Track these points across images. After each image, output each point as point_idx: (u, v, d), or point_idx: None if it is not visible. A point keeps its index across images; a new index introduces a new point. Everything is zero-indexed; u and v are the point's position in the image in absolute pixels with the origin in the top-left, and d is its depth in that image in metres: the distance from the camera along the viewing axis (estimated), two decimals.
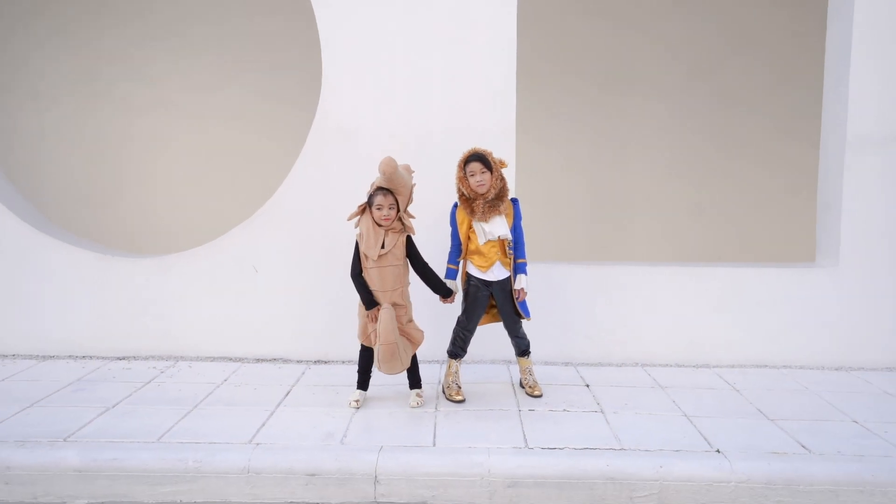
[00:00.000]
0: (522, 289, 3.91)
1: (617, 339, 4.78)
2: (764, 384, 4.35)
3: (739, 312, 4.76)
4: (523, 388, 4.12)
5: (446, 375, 4.07)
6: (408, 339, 3.79)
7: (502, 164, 3.86)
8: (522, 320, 4.00)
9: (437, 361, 4.66)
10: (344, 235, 4.35)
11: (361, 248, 3.71)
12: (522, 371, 4.12)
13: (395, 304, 3.73)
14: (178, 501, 3.14)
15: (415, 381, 3.96)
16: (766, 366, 4.74)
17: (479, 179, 3.74)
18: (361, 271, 3.74)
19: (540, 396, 4.02)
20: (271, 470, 3.15)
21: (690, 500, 3.09)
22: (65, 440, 3.34)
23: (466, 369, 4.53)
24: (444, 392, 4.04)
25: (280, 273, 4.78)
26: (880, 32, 4.54)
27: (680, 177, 7.56)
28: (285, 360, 4.80)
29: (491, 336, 4.39)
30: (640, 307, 4.78)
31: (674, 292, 4.78)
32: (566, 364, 4.75)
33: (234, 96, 7.45)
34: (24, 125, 7.43)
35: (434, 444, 3.33)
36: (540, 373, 4.41)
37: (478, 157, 3.75)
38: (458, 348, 4.02)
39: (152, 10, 7.33)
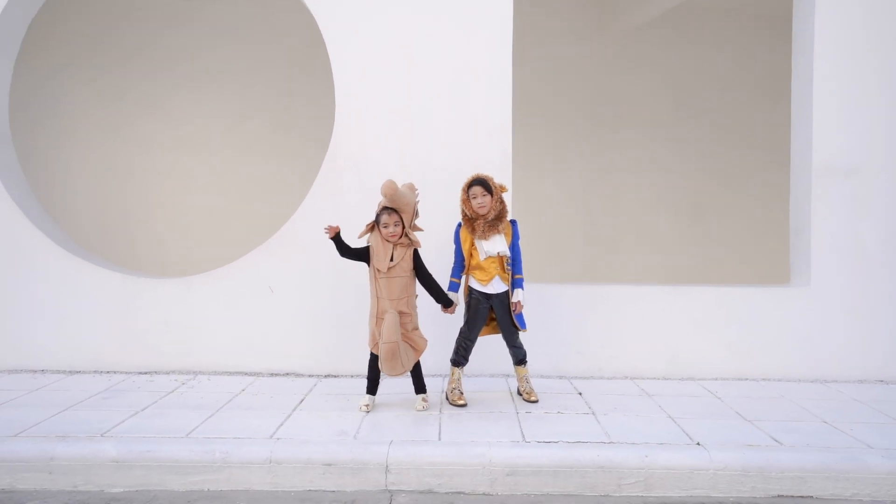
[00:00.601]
0: (519, 302, 4.28)
1: (607, 354, 5.12)
2: (744, 393, 4.69)
3: (721, 329, 5.13)
4: (520, 395, 4.45)
5: (449, 382, 4.41)
6: (412, 345, 4.14)
7: (502, 188, 4.29)
8: (519, 332, 4.35)
9: (441, 375, 4.98)
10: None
11: (372, 262, 4.10)
12: (519, 379, 4.45)
13: (401, 312, 4.10)
14: (206, 490, 3.43)
15: (420, 387, 4.29)
16: (747, 378, 5.08)
17: (481, 202, 4.16)
18: (356, 253, 4.15)
19: (536, 402, 4.35)
20: (291, 461, 3.45)
21: (673, 486, 3.41)
22: (102, 435, 3.65)
23: (467, 381, 4.85)
24: (447, 398, 4.37)
25: (293, 293, 5.14)
26: (839, 71, 5.04)
27: (667, 203, 8.13)
28: (298, 375, 5.11)
29: (490, 350, 4.74)
30: (628, 325, 5.14)
31: (660, 311, 5.15)
32: (560, 377, 5.08)
33: (252, 131, 7.98)
34: (55, 161, 7.89)
35: (440, 439, 3.66)
36: (535, 384, 4.72)
37: (480, 182, 4.17)
38: (460, 357, 4.37)
39: (176, 61, 7.88)
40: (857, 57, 5.04)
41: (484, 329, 4.39)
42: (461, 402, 4.27)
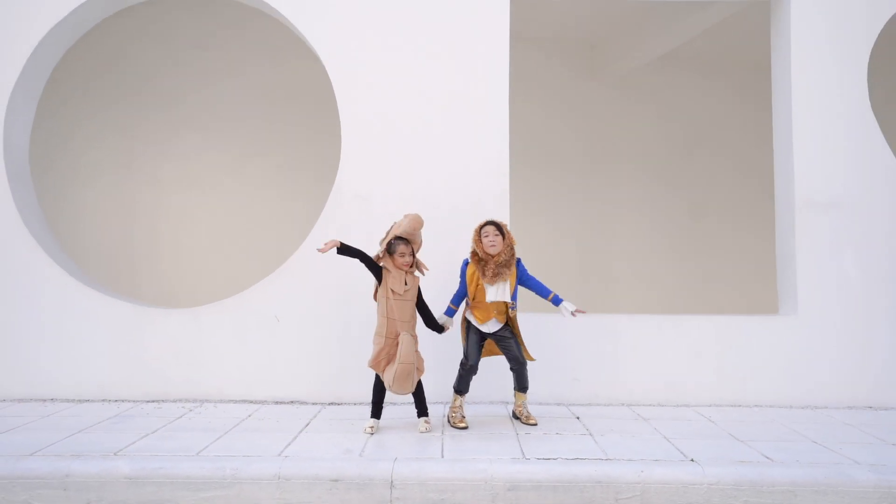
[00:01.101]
0: (577, 308, 4.46)
1: (603, 381, 5.27)
2: (737, 418, 4.83)
3: (714, 357, 5.29)
4: (517, 417, 4.59)
5: (451, 408, 4.55)
6: (417, 366, 4.30)
7: (513, 240, 4.50)
8: (528, 361, 4.54)
9: (442, 402, 5.10)
10: (357, 290, 5.00)
11: (388, 284, 4.31)
12: (518, 404, 4.60)
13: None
14: None
15: (422, 409, 4.43)
16: (740, 405, 5.21)
17: (492, 240, 4.37)
18: (366, 259, 4.35)
19: (535, 425, 4.48)
20: (299, 477, 3.57)
21: (669, 501, 3.52)
22: (115, 454, 3.77)
23: (468, 408, 4.97)
24: (449, 421, 4.51)
25: (298, 324, 5.30)
26: (816, 113, 5.35)
27: (660, 237, 8.42)
28: (303, 402, 5.23)
29: (491, 379, 4.91)
30: (625, 353, 5.30)
31: (655, 339, 5.32)
32: (558, 404, 5.21)
33: (258, 167, 8.28)
34: (62, 196, 8.12)
35: (442, 456, 3.78)
36: (533, 410, 4.86)
37: (493, 223, 4.42)
38: (462, 385, 4.53)
39: (183, 98, 8.21)
40: (831, 99, 5.35)
41: (484, 351, 4.56)
42: (462, 424, 4.41)
